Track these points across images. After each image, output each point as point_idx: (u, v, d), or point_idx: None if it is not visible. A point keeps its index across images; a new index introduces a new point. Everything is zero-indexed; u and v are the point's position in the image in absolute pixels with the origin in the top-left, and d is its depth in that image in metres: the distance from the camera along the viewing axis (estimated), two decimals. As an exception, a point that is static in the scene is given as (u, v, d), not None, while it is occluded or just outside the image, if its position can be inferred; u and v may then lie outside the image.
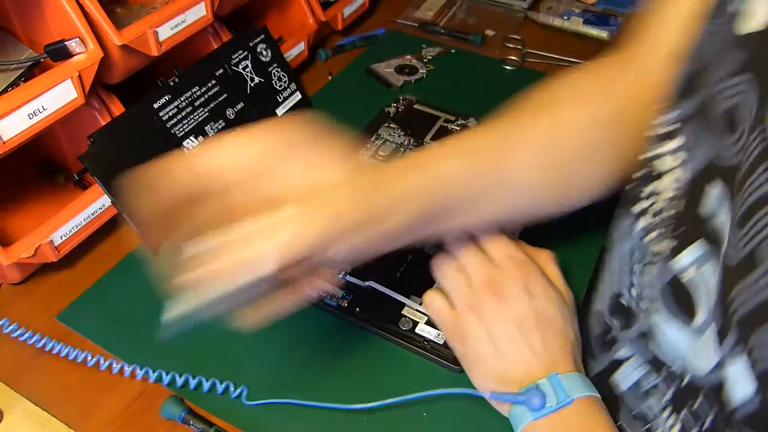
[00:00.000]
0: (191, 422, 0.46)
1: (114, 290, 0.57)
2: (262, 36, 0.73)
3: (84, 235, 0.57)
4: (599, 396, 0.43)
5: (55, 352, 0.50)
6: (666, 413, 0.39)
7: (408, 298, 0.54)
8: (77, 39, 0.52)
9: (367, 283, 0.55)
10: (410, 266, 0.57)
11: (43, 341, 0.50)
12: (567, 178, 0.46)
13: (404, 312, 0.53)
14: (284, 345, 0.53)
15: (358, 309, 0.53)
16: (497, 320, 0.44)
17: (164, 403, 0.47)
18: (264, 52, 0.73)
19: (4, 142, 0.49)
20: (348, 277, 0.56)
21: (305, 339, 0.53)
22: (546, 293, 0.46)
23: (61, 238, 0.55)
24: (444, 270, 0.48)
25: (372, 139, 0.72)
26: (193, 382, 0.48)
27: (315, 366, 0.51)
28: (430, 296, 0.49)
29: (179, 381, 0.48)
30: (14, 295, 0.57)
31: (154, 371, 0.49)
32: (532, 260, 0.48)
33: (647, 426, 0.41)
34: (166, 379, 0.48)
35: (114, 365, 0.49)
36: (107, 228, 0.61)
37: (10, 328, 0.51)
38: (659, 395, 0.39)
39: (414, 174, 0.40)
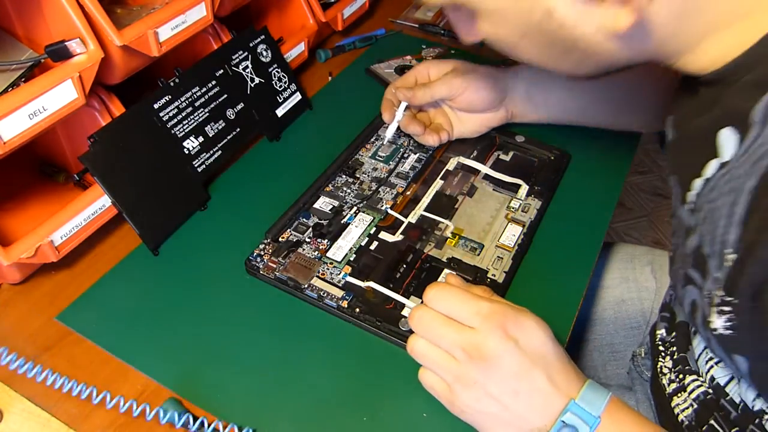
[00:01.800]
0: (189, 424, 0.46)
1: (114, 290, 0.57)
2: (262, 36, 0.74)
3: (84, 235, 0.57)
4: (610, 393, 0.43)
5: (39, 379, 0.47)
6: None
7: (408, 298, 0.54)
8: (77, 39, 0.52)
9: (367, 284, 0.55)
10: (410, 266, 0.57)
11: (26, 366, 0.48)
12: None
13: (404, 312, 0.53)
14: (283, 345, 0.53)
15: (358, 309, 0.53)
16: (492, 382, 0.43)
17: (163, 404, 0.47)
18: (264, 53, 0.73)
19: (4, 143, 0.49)
20: (348, 278, 0.56)
21: (305, 339, 0.53)
22: (526, 328, 0.44)
23: (61, 238, 0.55)
24: (419, 352, 0.46)
25: (372, 139, 0.72)
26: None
27: (314, 366, 0.51)
28: (422, 376, 0.47)
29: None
30: (14, 295, 0.57)
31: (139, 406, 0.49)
32: (494, 300, 0.46)
33: None
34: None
35: (95, 394, 0.46)
36: (107, 228, 0.61)
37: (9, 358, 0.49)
38: None
39: None
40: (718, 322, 0.40)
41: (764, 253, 0.34)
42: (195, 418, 0.46)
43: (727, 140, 0.39)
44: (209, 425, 0.45)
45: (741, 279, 0.36)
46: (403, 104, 0.67)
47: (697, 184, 0.43)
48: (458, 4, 0.43)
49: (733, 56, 0.39)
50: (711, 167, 0.41)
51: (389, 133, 0.69)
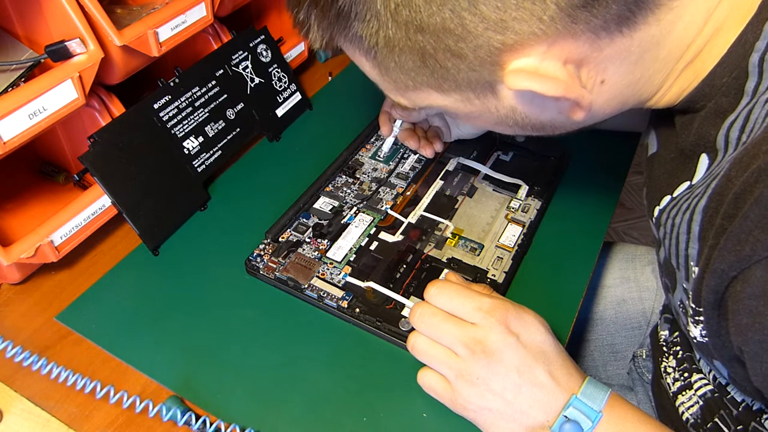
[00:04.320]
0: (191, 422, 0.46)
1: (114, 290, 0.57)
2: (262, 36, 0.74)
3: (84, 235, 0.57)
4: (610, 389, 0.44)
5: (44, 372, 0.48)
6: None
7: (408, 298, 0.54)
8: (77, 39, 0.52)
9: (367, 284, 0.55)
10: (410, 267, 0.57)
11: (31, 359, 0.48)
12: None
13: (404, 312, 0.53)
14: (283, 345, 0.53)
15: (358, 309, 0.53)
16: (494, 377, 0.43)
17: (166, 402, 0.47)
18: (264, 53, 0.73)
19: (4, 143, 0.49)
20: (348, 278, 0.56)
21: (305, 339, 0.53)
22: (527, 324, 0.45)
23: (61, 238, 0.55)
24: (420, 349, 0.47)
25: (372, 139, 0.72)
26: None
27: (314, 366, 0.51)
28: (422, 377, 0.47)
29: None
30: (14, 295, 0.57)
31: (141, 401, 0.49)
32: (494, 296, 0.47)
33: None
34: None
35: (99, 388, 0.47)
36: (107, 228, 0.61)
37: (2, 345, 0.49)
38: None
39: None
40: (695, 331, 0.41)
41: (719, 265, 0.35)
42: (197, 417, 0.46)
43: (702, 165, 0.41)
44: (211, 425, 0.45)
45: (703, 290, 0.37)
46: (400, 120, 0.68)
47: (665, 201, 0.45)
48: (434, 108, 0.45)
49: (689, 89, 0.41)
50: (682, 188, 0.43)
51: (386, 146, 0.69)
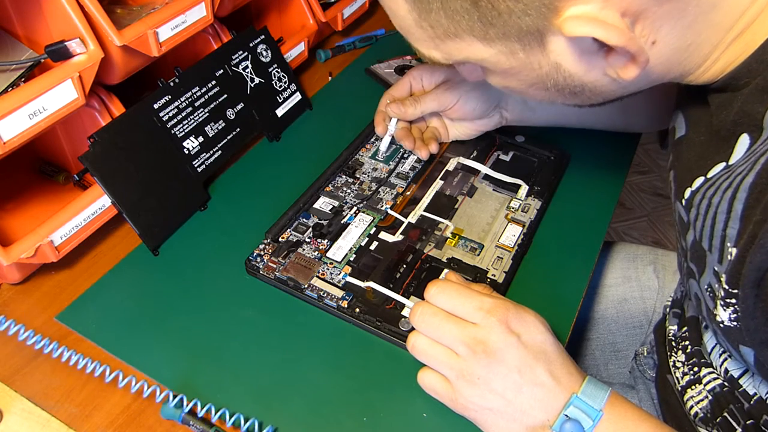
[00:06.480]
0: (191, 422, 0.46)
1: (114, 290, 0.57)
2: (262, 36, 0.74)
3: (84, 235, 0.57)
4: (610, 388, 0.44)
5: (55, 355, 0.50)
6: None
7: (408, 298, 0.54)
8: (77, 39, 0.52)
9: (367, 284, 0.55)
10: (410, 267, 0.57)
11: (42, 342, 0.50)
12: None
13: (404, 312, 0.53)
14: (283, 345, 0.53)
15: (358, 309, 0.53)
16: (495, 377, 0.43)
17: (164, 404, 0.47)
18: (264, 53, 0.73)
19: (4, 143, 0.49)
20: (348, 278, 0.56)
21: (305, 339, 0.53)
22: (527, 324, 0.45)
23: (61, 238, 0.55)
24: (420, 349, 0.46)
25: (372, 139, 0.72)
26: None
27: (314, 366, 0.51)
28: (422, 377, 0.47)
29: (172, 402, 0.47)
30: (14, 295, 0.57)
31: (149, 387, 0.49)
32: (495, 296, 0.47)
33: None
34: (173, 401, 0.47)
35: (107, 372, 0.48)
36: (107, 228, 0.61)
37: (15, 328, 0.51)
38: None
39: None
40: (724, 315, 0.40)
41: (766, 241, 0.34)
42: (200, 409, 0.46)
43: (741, 145, 0.40)
44: (216, 412, 0.45)
45: (743, 269, 0.37)
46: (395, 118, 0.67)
47: (698, 182, 0.44)
48: (470, 63, 0.42)
49: (736, 64, 0.40)
50: (717, 169, 0.42)
51: (383, 146, 0.69)
